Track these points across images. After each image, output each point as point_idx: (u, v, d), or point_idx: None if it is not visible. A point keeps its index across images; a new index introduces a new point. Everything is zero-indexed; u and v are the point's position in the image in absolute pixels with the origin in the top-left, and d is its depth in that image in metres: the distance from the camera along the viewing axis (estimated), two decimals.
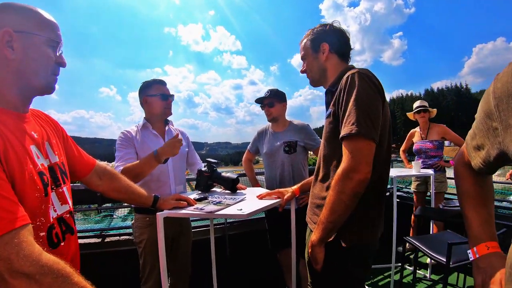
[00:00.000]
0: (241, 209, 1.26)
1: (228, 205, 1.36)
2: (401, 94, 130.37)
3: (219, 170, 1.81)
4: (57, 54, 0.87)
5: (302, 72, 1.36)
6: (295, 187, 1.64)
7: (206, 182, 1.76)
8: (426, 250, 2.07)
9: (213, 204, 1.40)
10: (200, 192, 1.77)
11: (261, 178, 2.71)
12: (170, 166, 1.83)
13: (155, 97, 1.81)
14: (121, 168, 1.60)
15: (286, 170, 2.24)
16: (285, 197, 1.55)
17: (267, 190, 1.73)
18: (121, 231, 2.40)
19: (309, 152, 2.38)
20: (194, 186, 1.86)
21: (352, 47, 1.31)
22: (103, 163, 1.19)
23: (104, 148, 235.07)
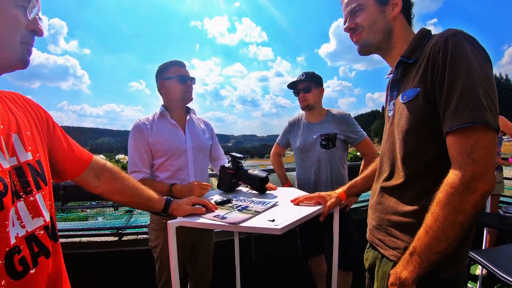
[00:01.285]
0: (273, 220, 0.99)
1: (257, 213, 1.08)
2: None
3: (245, 166, 1.57)
4: (30, 18, 0.66)
5: (349, 29, 0.98)
6: (340, 190, 1.33)
7: (230, 180, 1.52)
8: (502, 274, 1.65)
9: (238, 210, 1.13)
10: (222, 192, 1.54)
11: (290, 175, 2.42)
12: (190, 161, 1.61)
13: (172, 79, 1.61)
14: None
15: (323, 168, 1.96)
16: (328, 203, 1.25)
17: (303, 193, 1.46)
18: (140, 229, 2.24)
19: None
20: (216, 185, 1.61)
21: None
22: (102, 158, 0.98)
23: None
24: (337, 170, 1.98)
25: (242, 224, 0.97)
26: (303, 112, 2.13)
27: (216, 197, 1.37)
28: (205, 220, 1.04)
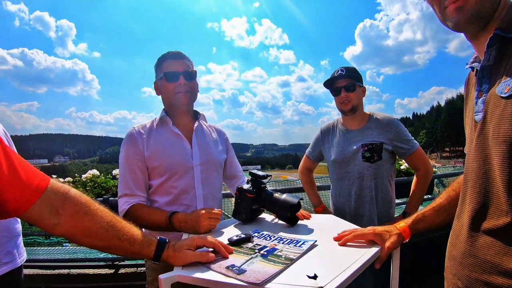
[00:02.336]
0: (314, 277, 0.72)
1: (289, 261, 0.80)
2: None
3: (268, 184, 1.30)
4: None
5: None
6: (401, 224, 1.04)
7: (249, 207, 1.24)
8: None
9: (262, 256, 0.86)
10: (239, 222, 1.27)
11: (323, 195, 2.28)
12: (197, 181, 1.38)
13: (160, 80, 1.41)
14: (126, 208, 1.28)
15: (366, 187, 1.73)
16: (387, 244, 0.96)
17: (346, 223, 1.18)
18: (140, 261, 2.04)
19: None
20: (232, 211, 1.36)
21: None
22: (65, 184, 0.74)
23: None
24: (384, 189, 1.75)
25: (269, 286, 0.69)
26: (339, 117, 1.93)
27: (231, 230, 1.12)
28: (214, 274, 0.77)
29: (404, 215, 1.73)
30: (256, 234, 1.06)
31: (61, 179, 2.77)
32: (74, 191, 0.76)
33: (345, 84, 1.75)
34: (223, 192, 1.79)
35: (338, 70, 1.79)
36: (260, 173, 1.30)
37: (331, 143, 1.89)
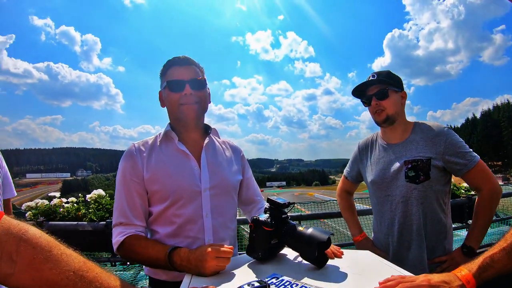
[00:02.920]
0: None
1: None
2: (507, 100, 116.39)
3: (287, 199, 1.11)
4: None
5: None
6: (464, 272, 0.84)
7: (267, 242, 1.05)
8: None
9: None
10: (254, 261, 1.08)
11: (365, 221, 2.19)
12: (205, 209, 1.21)
13: (164, 90, 1.28)
14: (120, 240, 1.14)
15: (412, 214, 1.50)
16: None
17: (394, 269, 0.97)
18: None
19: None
20: (246, 245, 1.18)
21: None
22: (22, 222, 0.59)
23: None
24: (434, 216, 1.51)
25: None
26: (378, 130, 1.73)
27: (243, 273, 0.95)
28: None
29: (464, 250, 1.49)
30: (274, 281, 0.87)
31: (64, 199, 2.68)
32: (33, 231, 0.61)
33: (376, 91, 1.57)
34: (238, 217, 1.62)
35: (370, 76, 1.61)
36: (280, 200, 1.11)
37: (369, 160, 1.70)
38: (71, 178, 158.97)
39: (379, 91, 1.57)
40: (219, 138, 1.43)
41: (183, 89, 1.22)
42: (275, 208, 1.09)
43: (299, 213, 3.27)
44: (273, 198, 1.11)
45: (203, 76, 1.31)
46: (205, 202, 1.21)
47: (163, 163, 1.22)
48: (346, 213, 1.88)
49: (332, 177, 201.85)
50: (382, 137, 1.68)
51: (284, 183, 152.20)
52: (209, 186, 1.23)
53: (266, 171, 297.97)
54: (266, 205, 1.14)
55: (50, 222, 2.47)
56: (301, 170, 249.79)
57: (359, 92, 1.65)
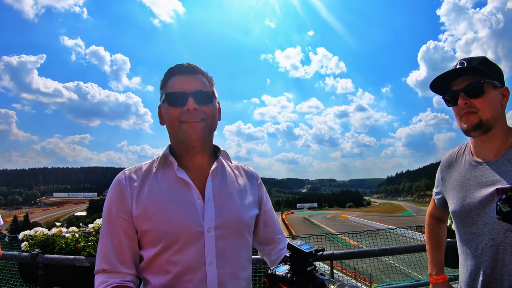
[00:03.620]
0: None
1: None
2: None
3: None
4: None
5: None
6: None
7: None
8: None
9: None
10: None
11: None
12: (210, 251, 1.01)
13: (164, 104, 1.11)
14: None
15: (505, 266, 1.12)
16: None
17: None
18: None
19: None
20: None
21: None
22: None
23: None
24: None
25: None
26: (468, 140, 1.32)
27: None
28: None
29: None
30: None
31: (64, 229, 2.56)
32: None
33: (466, 84, 1.16)
34: (254, 256, 1.44)
35: (457, 63, 1.22)
36: (305, 246, 0.84)
37: (453, 182, 1.32)
38: (98, 198, 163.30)
39: (470, 84, 1.15)
40: (230, 162, 1.22)
41: (185, 103, 1.03)
42: (298, 258, 0.84)
43: (342, 252, 2.83)
44: (296, 243, 0.85)
45: (211, 88, 1.12)
46: (209, 246, 0.99)
47: (157, 196, 1.02)
48: (428, 244, 1.56)
49: (367, 198, 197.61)
50: (471, 151, 1.28)
51: (315, 204, 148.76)
52: (215, 225, 1.02)
53: (297, 192, 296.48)
54: (287, 252, 0.87)
55: (46, 255, 2.34)
56: (334, 191, 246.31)
57: (440, 85, 1.25)
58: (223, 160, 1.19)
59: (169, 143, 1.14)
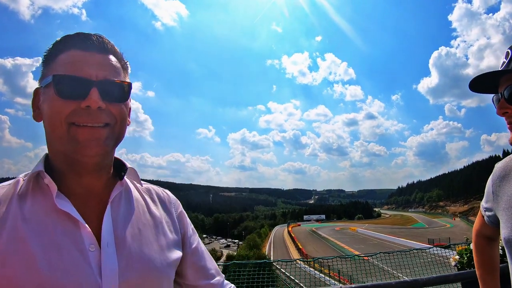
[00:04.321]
0: None
1: None
2: None
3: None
4: None
5: None
6: None
7: None
8: None
9: None
10: None
11: None
12: None
13: (46, 89, 0.73)
14: None
15: None
16: None
17: None
18: None
19: None
20: None
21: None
22: None
23: (199, 196, 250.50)
24: None
25: None
26: None
27: None
28: None
29: None
30: None
31: None
32: None
33: (507, 86, 0.96)
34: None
35: (504, 56, 1.01)
36: None
37: (507, 199, 1.10)
38: None
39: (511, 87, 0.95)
40: (140, 183, 0.88)
41: (85, 97, 0.70)
42: None
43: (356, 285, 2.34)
44: None
45: (125, 78, 0.80)
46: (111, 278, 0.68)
47: (21, 242, 0.65)
48: (480, 270, 1.35)
49: (376, 209, 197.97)
50: None
51: (323, 216, 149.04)
52: (120, 282, 0.70)
53: (303, 203, 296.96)
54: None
55: None
56: (342, 202, 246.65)
57: (486, 84, 1.03)
58: (129, 182, 0.84)
59: (46, 152, 0.78)
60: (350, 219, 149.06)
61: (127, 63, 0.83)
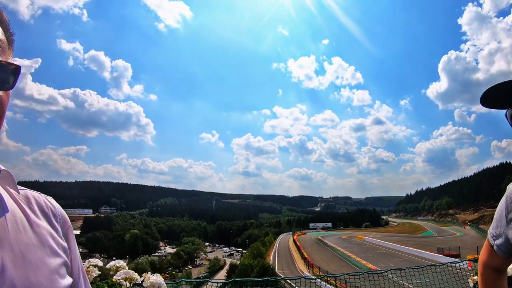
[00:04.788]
0: None
1: None
2: None
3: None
4: None
5: None
6: None
7: None
8: None
9: None
10: None
11: None
12: None
13: None
14: None
15: None
16: None
17: None
18: None
19: None
20: None
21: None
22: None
23: (202, 203, 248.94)
24: None
25: None
26: None
27: None
28: None
29: None
30: None
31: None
32: None
33: None
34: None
35: None
36: None
37: None
38: (93, 215, 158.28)
39: None
40: (17, 190, 0.71)
41: None
42: None
43: None
44: None
45: (9, 57, 0.67)
46: None
47: None
48: None
49: (384, 217, 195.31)
50: None
51: (329, 224, 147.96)
52: None
53: (309, 210, 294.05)
54: None
55: None
56: (349, 209, 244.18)
57: (497, 95, 0.95)
58: (2, 189, 0.69)
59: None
60: (357, 227, 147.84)
61: (13, 34, 0.65)
